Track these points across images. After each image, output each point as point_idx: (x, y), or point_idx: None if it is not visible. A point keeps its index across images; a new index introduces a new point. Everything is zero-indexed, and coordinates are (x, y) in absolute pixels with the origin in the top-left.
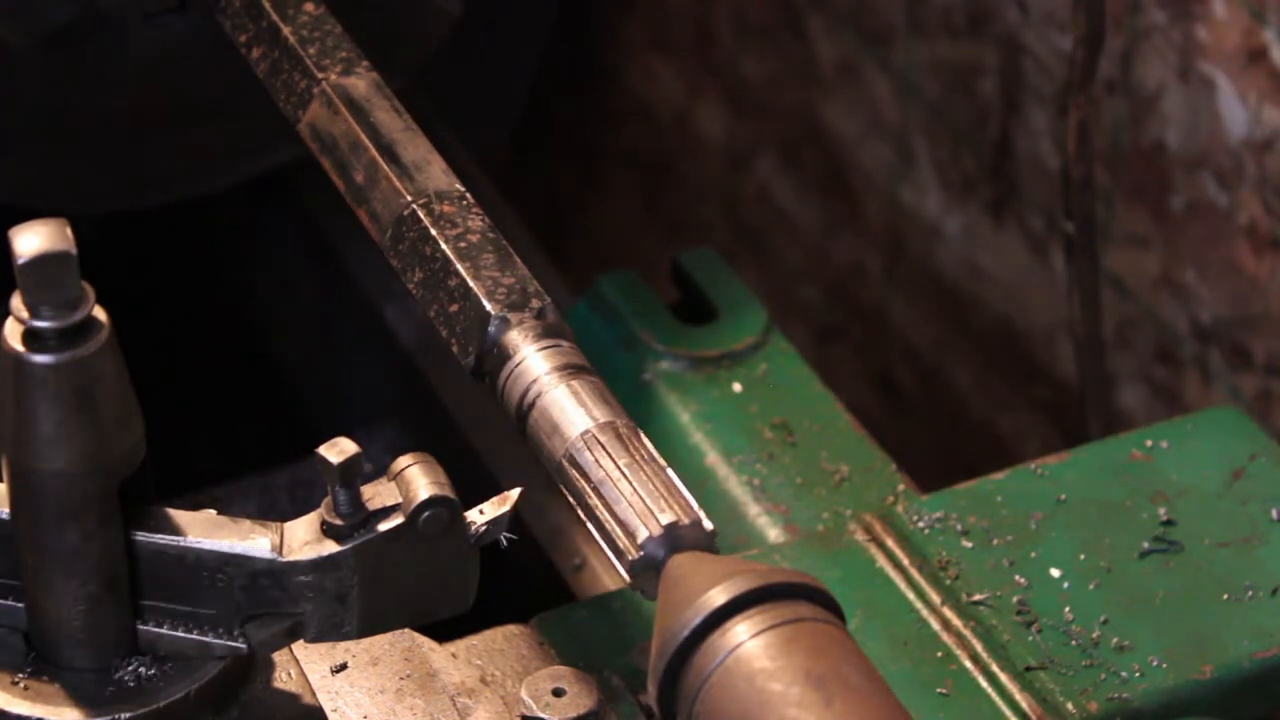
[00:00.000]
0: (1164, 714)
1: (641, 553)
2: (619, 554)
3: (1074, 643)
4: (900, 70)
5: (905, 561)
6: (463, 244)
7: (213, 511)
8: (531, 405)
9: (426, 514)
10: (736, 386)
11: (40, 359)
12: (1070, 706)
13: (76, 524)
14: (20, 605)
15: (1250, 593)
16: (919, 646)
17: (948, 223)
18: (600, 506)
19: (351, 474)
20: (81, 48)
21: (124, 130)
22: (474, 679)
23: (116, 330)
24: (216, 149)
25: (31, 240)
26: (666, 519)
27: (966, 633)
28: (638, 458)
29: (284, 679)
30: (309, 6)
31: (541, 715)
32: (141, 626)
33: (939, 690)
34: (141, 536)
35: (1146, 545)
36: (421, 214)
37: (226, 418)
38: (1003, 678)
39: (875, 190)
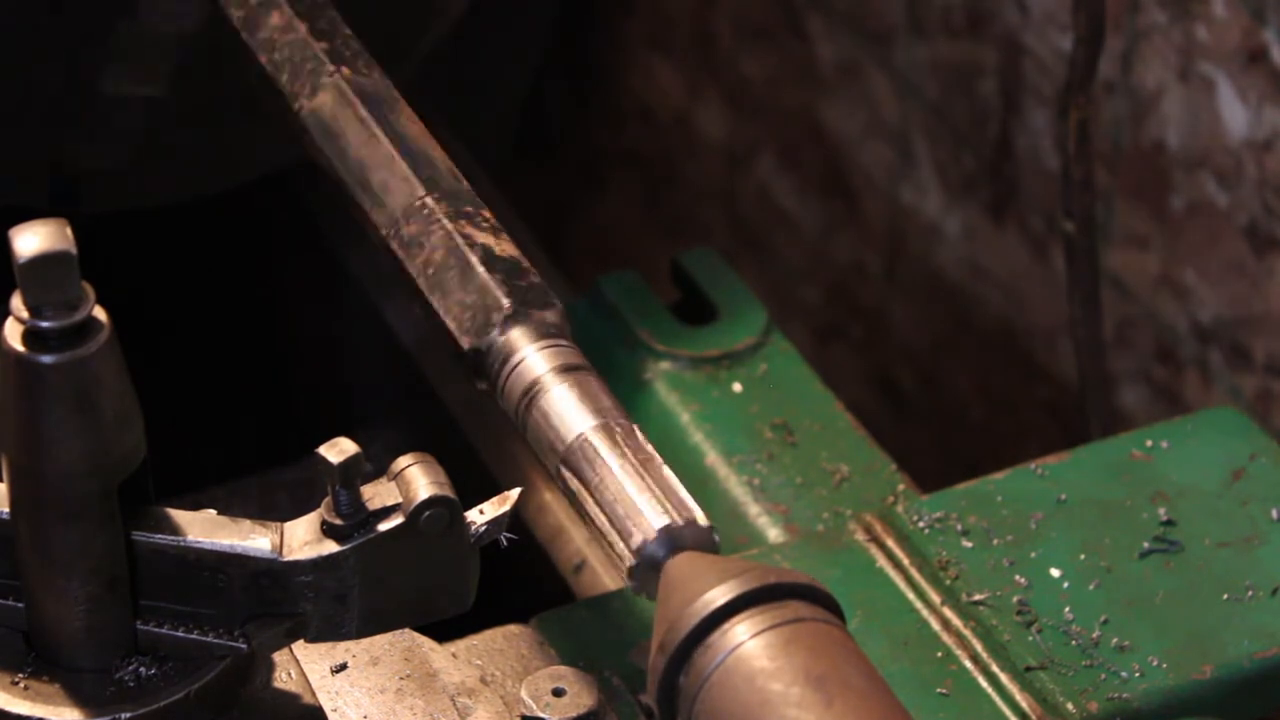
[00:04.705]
0: (1164, 714)
1: (641, 553)
2: (619, 554)
3: (1074, 643)
4: (900, 70)
5: (905, 561)
6: (454, 247)
7: (213, 511)
8: (532, 405)
9: (426, 514)
10: (736, 386)
11: (41, 359)
12: (1070, 706)
13: (77, 524)
14: (20, 605)
15: (1250, 593)
16: (919, 646)
17: (948, 223)
18: (600, 506)
19: (351, 474)
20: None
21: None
22: (474, 679)
23: (117, 330)
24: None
25: (31, 240)
26: (666, 519)
27: (966, 633)
28: (637, 457)
29: (284, 679)
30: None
31: (541, 715)
32: (142, 626)
33: (939, 690)
34: (141, 536)
35: (1146, 545)
36: (417, 216)
37: (227, 418)
38: (1003, 678)
39: (875, 190)
